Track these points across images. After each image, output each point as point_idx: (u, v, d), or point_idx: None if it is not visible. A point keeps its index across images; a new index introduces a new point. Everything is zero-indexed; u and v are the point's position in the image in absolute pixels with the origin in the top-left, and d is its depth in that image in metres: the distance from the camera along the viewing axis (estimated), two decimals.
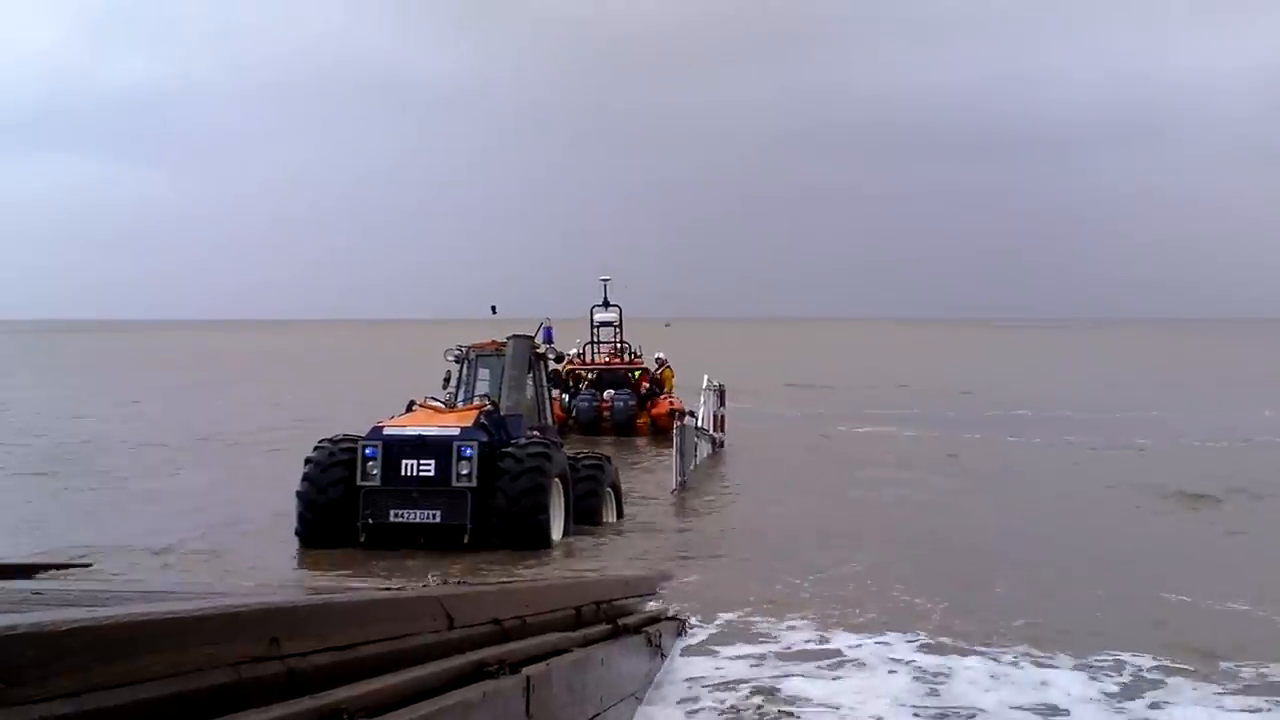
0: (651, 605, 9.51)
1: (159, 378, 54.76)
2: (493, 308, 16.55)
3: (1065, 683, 8.39)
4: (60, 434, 27.69)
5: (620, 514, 16.25)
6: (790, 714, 7.62)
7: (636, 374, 28.84)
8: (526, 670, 4.81)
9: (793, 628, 9.86)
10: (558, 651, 5.71)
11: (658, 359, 29.80)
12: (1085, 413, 33.54)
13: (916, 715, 7.66)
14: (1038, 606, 10.83)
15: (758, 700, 7.92)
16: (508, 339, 15.53)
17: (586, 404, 27.14)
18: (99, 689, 2.55)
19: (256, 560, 12.99)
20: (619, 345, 29.89)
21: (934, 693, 8.12)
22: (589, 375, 28.66)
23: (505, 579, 10.09)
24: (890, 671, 8.66)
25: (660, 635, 8.00)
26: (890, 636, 9.54)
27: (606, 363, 29.37)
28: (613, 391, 27.84)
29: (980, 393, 42.41)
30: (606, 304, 29.92)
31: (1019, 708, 7.81)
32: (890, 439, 27.62)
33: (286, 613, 3.55)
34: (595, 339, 29.96)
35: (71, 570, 11.89)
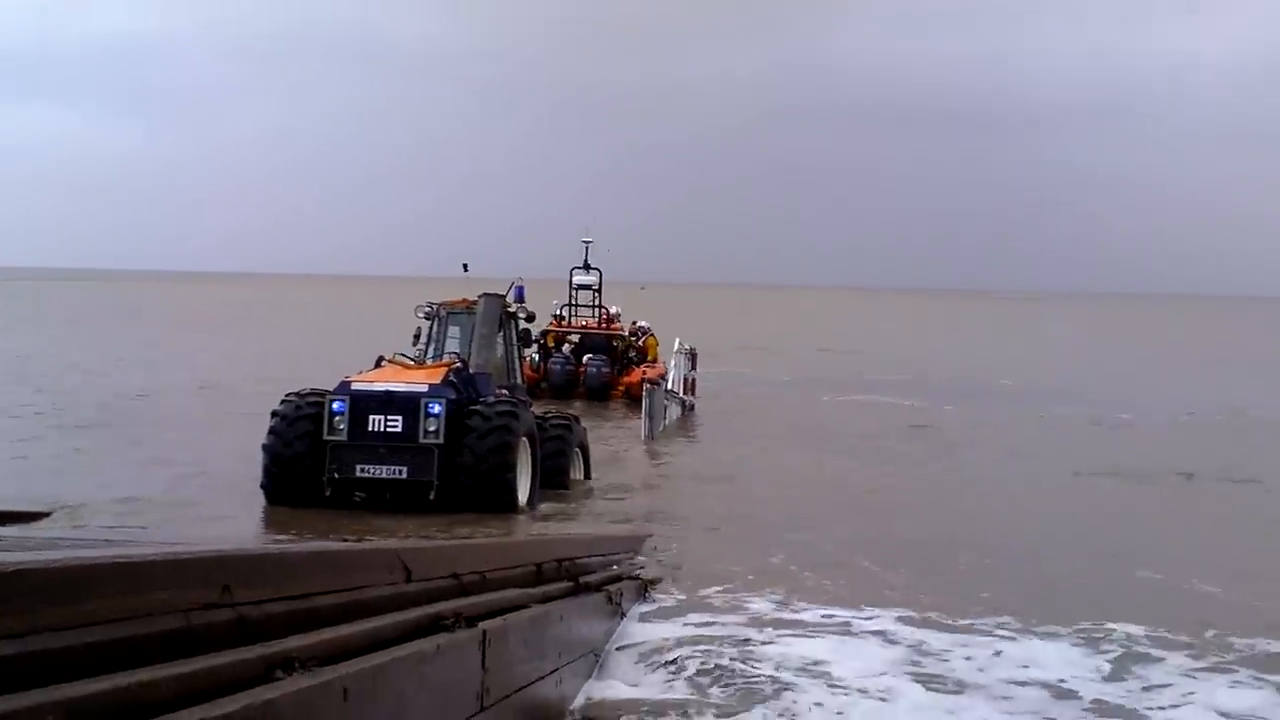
0: (617, 566, 9.56)
1: (148, 330, 54.18)
2: (464, 266, 16.48)
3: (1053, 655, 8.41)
4: (60, 385, 27.34)
5: (588, 474, 16.31)
6: (761, 674, 7.62)
7: (618, 342, 28.37)
8: (483, 624, 4.85)
9: (758, 594, 9.82)
10: (515, 607, 5.75)
11: (641, 327, 29.47)
12: (1065, 386, 33.77)
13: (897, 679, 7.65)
14: (1010, 580, 10.94)
15: (719, 657, 7.95)
16: (479, 297, 15.48)
17: (560, 367, 26.74)
18: (45, 631, 2.55)
19: (219, 513, 12.95)
20: (597, 309, 29.44)
21: (915, 662, 8.11)
22: (572, 339, 28.29)
23: (465, 536, 10.10)
24: (867, 639, 8.62)
25: (621, 594, 8.06)
26: (867, 610, 9.41)
27: (584, 326, 28.96)
28: (589, 356, 27.45)
29: (956, 362, 42.70)
30: (587, 266, 29.37)
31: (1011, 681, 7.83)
32: (865, 407, 27.77)
33: (239, 561, 3.55)
34: (574, 301, 29.51)
35: (36, 520, 11.88)
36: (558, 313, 29.19)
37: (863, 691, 7.35)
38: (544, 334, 27.66)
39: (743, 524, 13.32)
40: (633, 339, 28.74)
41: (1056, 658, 8.28)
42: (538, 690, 5.62)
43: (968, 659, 8.15)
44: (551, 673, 5.99)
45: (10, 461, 16.72)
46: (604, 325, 28.91)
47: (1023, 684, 7.67)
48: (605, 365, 26.91)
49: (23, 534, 6.76)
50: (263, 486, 13.35)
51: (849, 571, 10.95)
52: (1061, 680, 7.75)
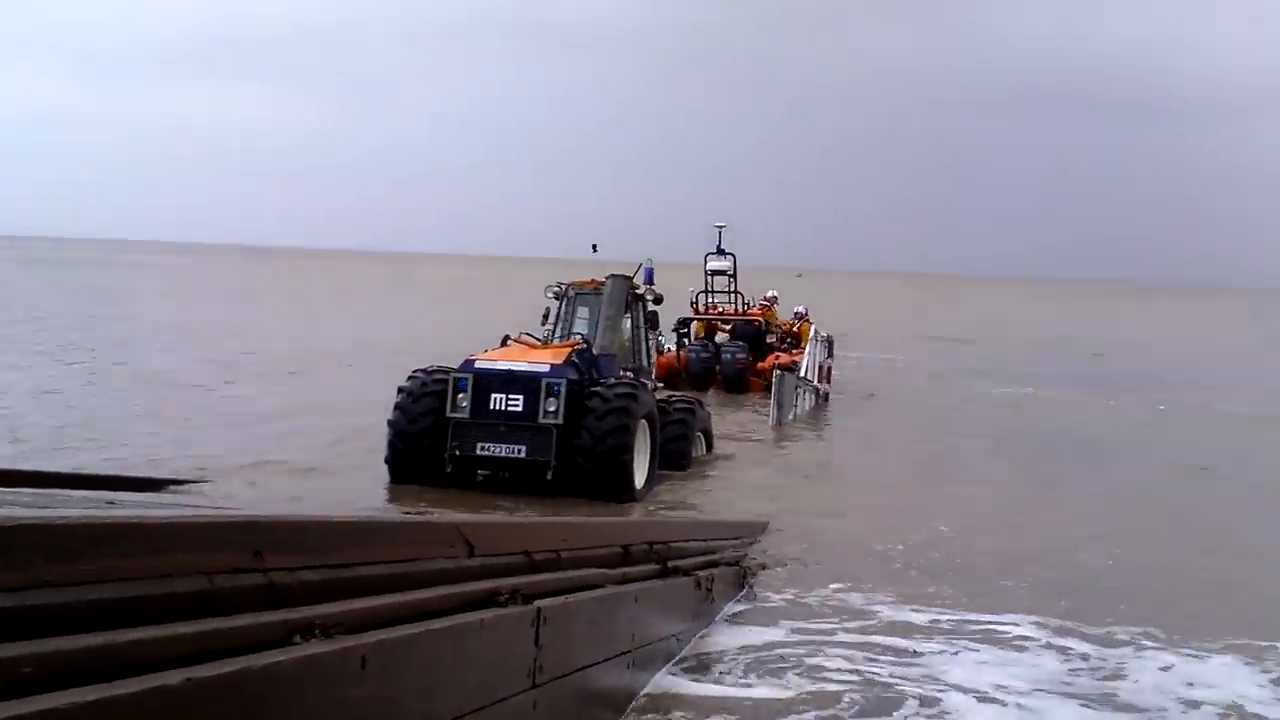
0: (719, 553, 9.48)
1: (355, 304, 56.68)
2: (594, 246, 16.55)
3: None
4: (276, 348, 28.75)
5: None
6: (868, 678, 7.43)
7: (771, 328, 27.42)
8: (539, 602, 4.86)
9: (871, 593, 9.56)
10: (589, 586, 5.77)
11: (798, 312, 28.83)
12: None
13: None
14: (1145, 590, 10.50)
15: (816, 656, 7.82)
16: (606, 278, 15.55)
17: (695, 355, 25.90)
18: (45, 586, 2.64)
19: (342, 486, 13.33)
20: (734, 294, 28.48)
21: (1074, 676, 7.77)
22: (724, 327, 27.35)
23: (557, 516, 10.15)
24: (1006, 648, 8.27)
25: (713, 581, 8.00)
26: (1004, 617, 9.05)
27: (721, 312, 28.24)
28: (726, 343, 26.51)
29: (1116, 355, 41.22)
30: (721, 251, 28.29)
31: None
32: (1007, 401, 27.02)
33: (275, 527, 3.64)
34: (710, 287, 28.62)
35: (188, 485, 12.36)
36: (694, 300, 28.49)
37: (1018, 708, 6.98)
38: (684, 322, 27.50)
39: (861, 518, 13.03)
40: (778, 325, 27.85)
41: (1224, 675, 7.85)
42: (602, 673, 5.62)
43: (1123, 676, 7.77)
44: (621, 654, 5.98)
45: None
46: (741, 311, 28.01)
47: (1195, 704, 7.24)
48: (742, 352, 25.70)
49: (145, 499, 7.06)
50: (386, 461, 13.68)
51: (973, 578, 10.40)
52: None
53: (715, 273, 28.19)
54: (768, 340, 26.79)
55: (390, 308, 55.58)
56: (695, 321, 27.81)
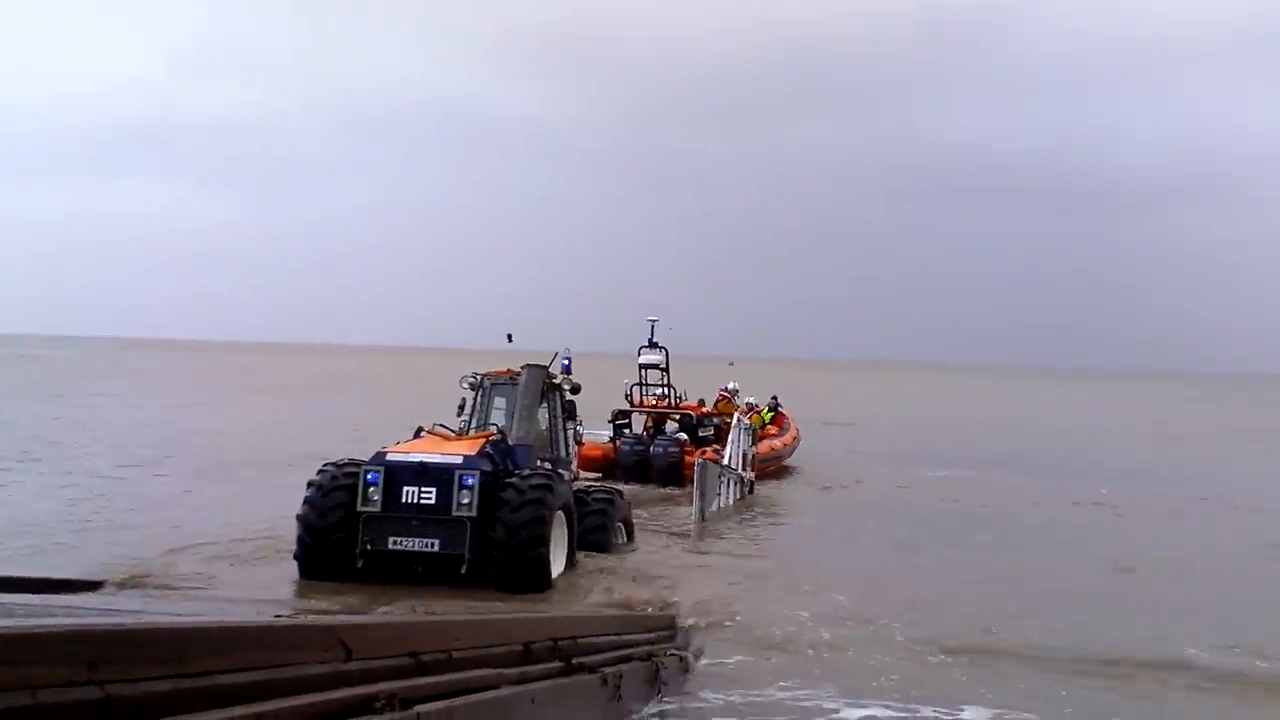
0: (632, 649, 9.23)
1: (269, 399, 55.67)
2: (509, 336, 16.39)
3: None
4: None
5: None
6: None
7: (697, 419, 27.20)
8: (421, 708, 4.61)
9: (789, 687, 9.45)
10: (478, 688, 5.51)
11: (748, 403, 29.26)
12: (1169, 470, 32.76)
13: None
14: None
15: None
16: (521, 368, 15.40)
17: (629, 448, 25.70)
18: None
19: (242, 584, 12.88)
20: (667, 387, 28.12)
21: None
22: (675, 419, 26.98)
23: (457, 612, 9.85)
24: None
25: (621, 678, 7.73)
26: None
27: (654, 405, 27.92)
28: (659, 436, 26.25)
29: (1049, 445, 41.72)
30: (653, 344, 27.98)
31: None
32: (943, 485, 27.12)
33: (113, 636, 3.39)
34: (644, 380, 28.33)
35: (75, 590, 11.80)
36: (628, 393, 28.21)
37: None
38: (620, 413, 27.38)
39: (785, 619, 12.73)
40: (717, 417, 27.63)
41: None
42: None
43: None
44: None
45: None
46: (674, 405, 27.75)
47: None
48: (674, 445, 25.36)
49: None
50: (296, 558, 13.27)
51: (905, 674, 10.24)
52: None
53: (648, 366, 27.98)
54: (700, 433, 26.46)
55: (291, 403, 54.67)
56: (646, 414, 27.67)
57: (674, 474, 24.79)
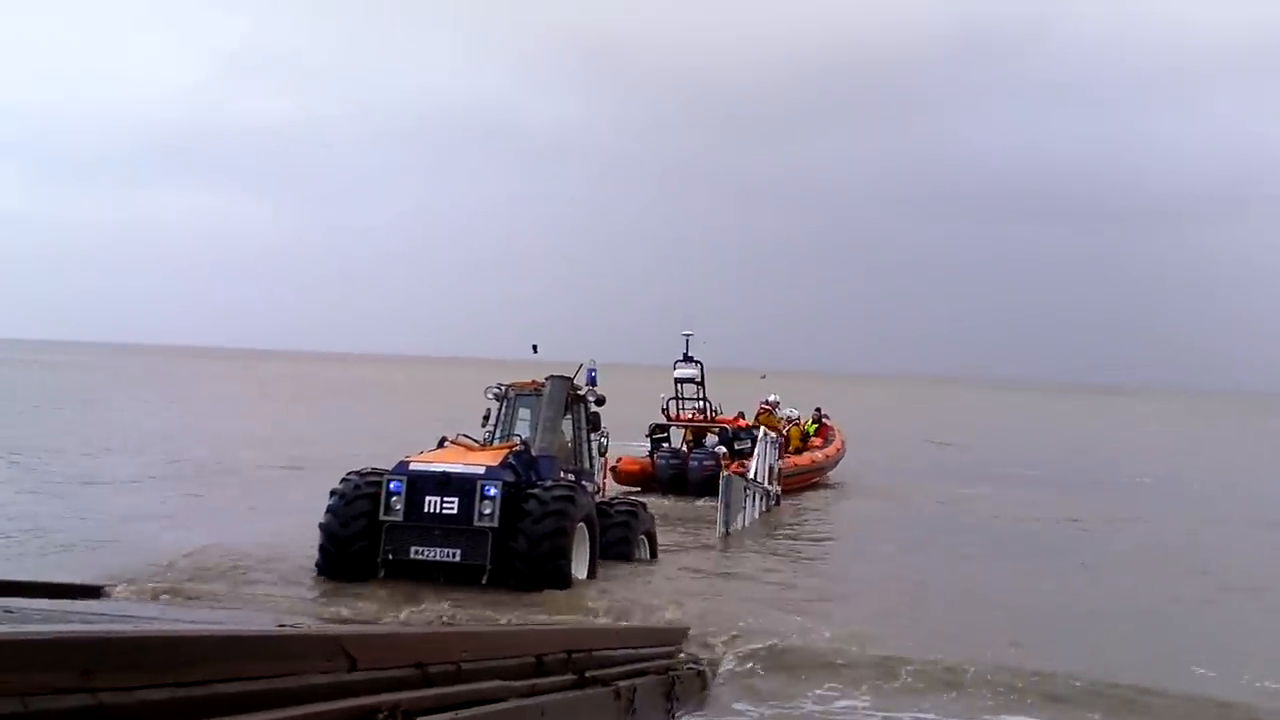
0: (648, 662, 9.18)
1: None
2: (534, 347, 16.42)
3: None
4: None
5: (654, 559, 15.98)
6: None
7: (734, 432, 27.26)
8: (425, 719, 4.59)
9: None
10: (487, 700, 5.48)
11: (788, 416, 29.56)
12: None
13: None
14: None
15: None
16: (546, 379, 15.39)
17: (666, 461, 25.89)
18: None
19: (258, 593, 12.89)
20: (703, 401, 27.94)
21: None
22: (714, 432, 27.16)
23: (468, 623, 9.83)
24: None
25: (635, 691, 7.68)
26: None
27: (691, 419, 27.90)
28: (696, 450, 26.45)
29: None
30: (688, 359, 27.87)
31: None
32: (972, 502, 26.90)
33: (108, 644, 3.39)
34: (679, 394, 28.24)
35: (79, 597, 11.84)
36: (664, 407, 28.18)
37: None
38: (657, 428, 27.51)
39: (806, 630, 12.64)
40: (775, 430, 27.54)
41: None
42: None
43: None
44: None
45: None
46: (710, 418, 27.73)
47: None
48: (710, 459, 25.25)
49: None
50: (317, 565, 13.32)
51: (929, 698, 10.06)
52: None
53: (684, 380, 27.96)
54: (736, 446, 26.23)
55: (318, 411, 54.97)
56: (684, 428, 27.77)
57: (710, 487, 23.83)
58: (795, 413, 30.31)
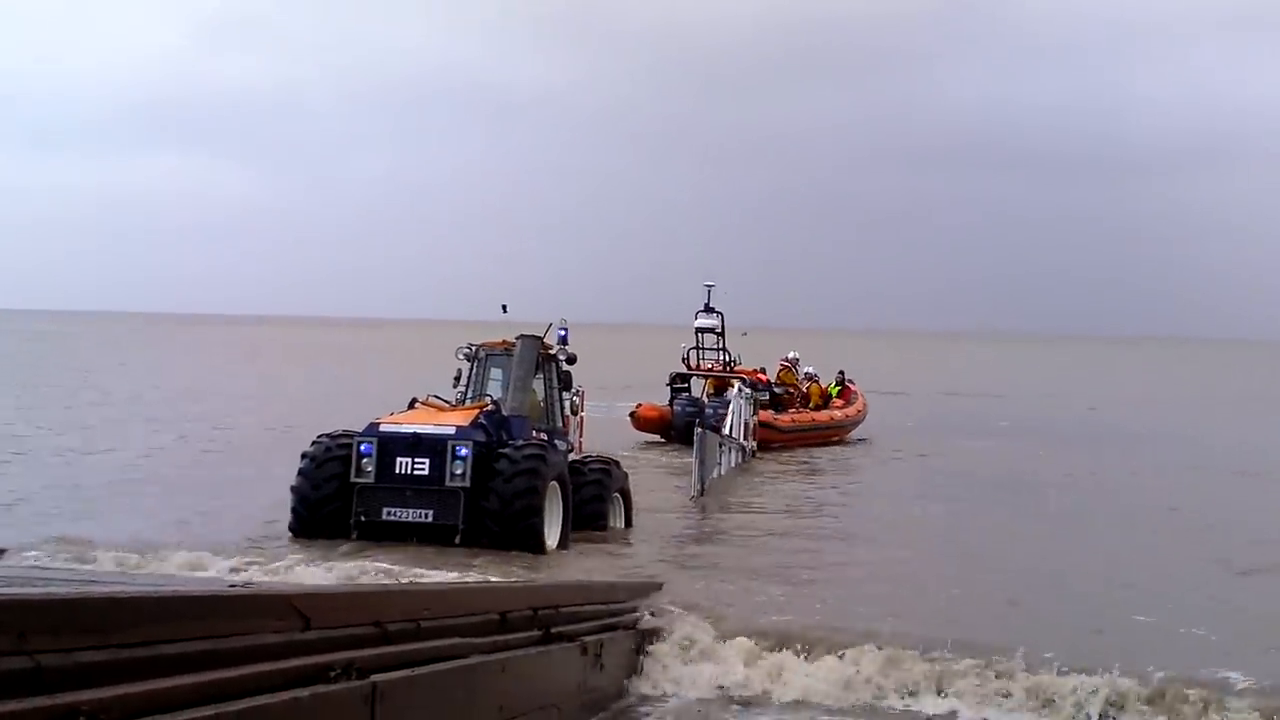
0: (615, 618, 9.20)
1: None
2: (503, 307, 16.31)
3: None
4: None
5: (629, 522, 15.93)
6: None
7: (777, 386, 28.25)
8: (378, 677, 4.59)
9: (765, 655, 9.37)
10: (447, 657, 5.49)
11: (807, 373, 30.33)
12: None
13: None
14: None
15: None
16: (516, 339, 15.32)
17: (682, 409, 26.42)
18: None
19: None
20: (722, 351, 28.71)
21: None
22: (733, 384, 26.84)
23: (431, 582, 9.82)
24: None
25: (601, 646, 7.72)
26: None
27: (710, 369, 28.60)
28: (714, 400, 27.04)
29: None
30: (709, 309, 28.56)
31: None
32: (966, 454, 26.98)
33: (46, 606, 3.37)
34: (699, 344, 28.94)
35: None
36: (685, 356, 28.98)
37: None
38: (677, 377, 28.27)
39: (768, 581, 12.64)
40: (794, 386, 28.93)
41: None
42: None
43: None
44: None
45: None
46: (729, 369, 28.25)
47: None
48: (724, 408, 25.13)
49: None
50: (290, 528, 13.30)
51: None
52: None
53: (704, 330, 28.64)
54: (759, 401, 26.76)
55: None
56: (706, 379, 28.41)
57: None
58: (813, 370, 31.02)
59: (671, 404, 27.11)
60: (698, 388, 28.74)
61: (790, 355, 30.66)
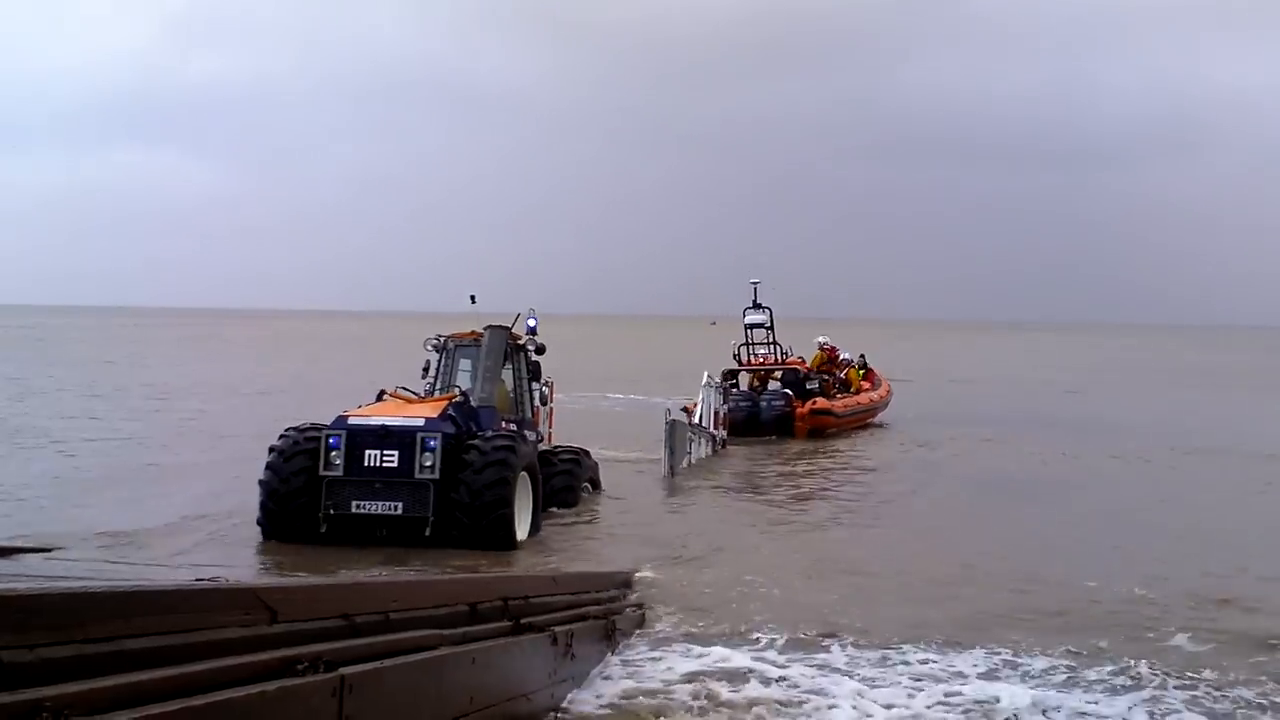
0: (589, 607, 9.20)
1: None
2: (471, 298, 16.26)
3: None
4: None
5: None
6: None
7: (804, 374, 28.68)
8: (346, 669, 4.57)
9: (744, 643, 9.43)
10: (416, 649, 5.47)
11: (845, 359, 31.30)
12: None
13: None
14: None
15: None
16: (484, 329, 15.29)
17: (736, 404, 26.84)
18: None
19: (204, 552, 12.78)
20: (773, 345, 29.67)
21: None
22: (776, 376, 28.76)
23: (400, 575, 9.81)
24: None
25: (572, 636, 7.71)
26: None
27: (761, 363, 29.44)
28: (768, 391, 27.98)
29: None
30: (757, 305, 29.59)
31: None
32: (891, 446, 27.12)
33: (7, 603, 3.34)
34: (749, 339, 29.85)
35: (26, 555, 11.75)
36: (735, 353, 29.67)
37: None
38: (730, 374, 28.51)
39: (747, 566, 12.74)
40: (820, 373, 29.32)
41: None
42: None
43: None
44: (460, 718, 5.68)
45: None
46: (780, 360, 29.31)
47: None
48: (779, 399, 27.02)
49: None
50: (259, 523, 13.22)
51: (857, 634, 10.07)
52: None
53: (753, 326, 29.61)
54: (807, 386, 28.05)
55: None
56: (751, 373, 29.27)
57: (783, 425, 26.61)
58: (849, 356, 31.88)
59: (725, 401, 27.05)
60: (744, 382, 29.20)
61: (825, 342, 31.36)
